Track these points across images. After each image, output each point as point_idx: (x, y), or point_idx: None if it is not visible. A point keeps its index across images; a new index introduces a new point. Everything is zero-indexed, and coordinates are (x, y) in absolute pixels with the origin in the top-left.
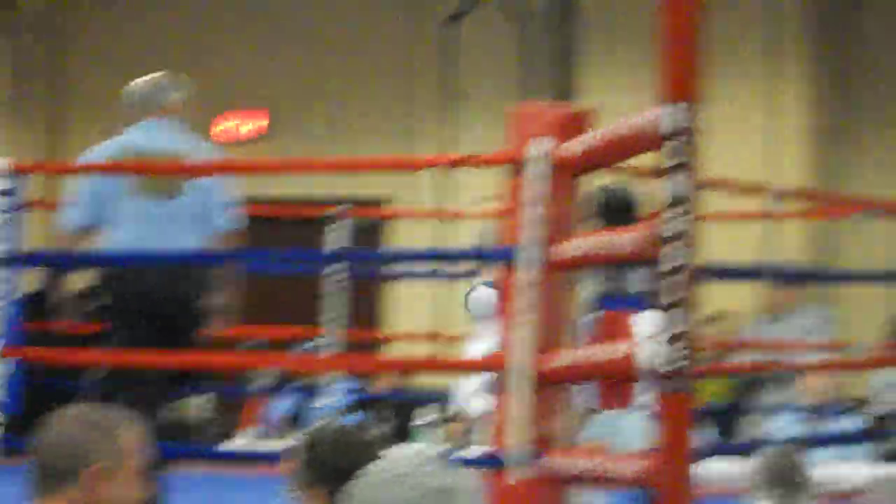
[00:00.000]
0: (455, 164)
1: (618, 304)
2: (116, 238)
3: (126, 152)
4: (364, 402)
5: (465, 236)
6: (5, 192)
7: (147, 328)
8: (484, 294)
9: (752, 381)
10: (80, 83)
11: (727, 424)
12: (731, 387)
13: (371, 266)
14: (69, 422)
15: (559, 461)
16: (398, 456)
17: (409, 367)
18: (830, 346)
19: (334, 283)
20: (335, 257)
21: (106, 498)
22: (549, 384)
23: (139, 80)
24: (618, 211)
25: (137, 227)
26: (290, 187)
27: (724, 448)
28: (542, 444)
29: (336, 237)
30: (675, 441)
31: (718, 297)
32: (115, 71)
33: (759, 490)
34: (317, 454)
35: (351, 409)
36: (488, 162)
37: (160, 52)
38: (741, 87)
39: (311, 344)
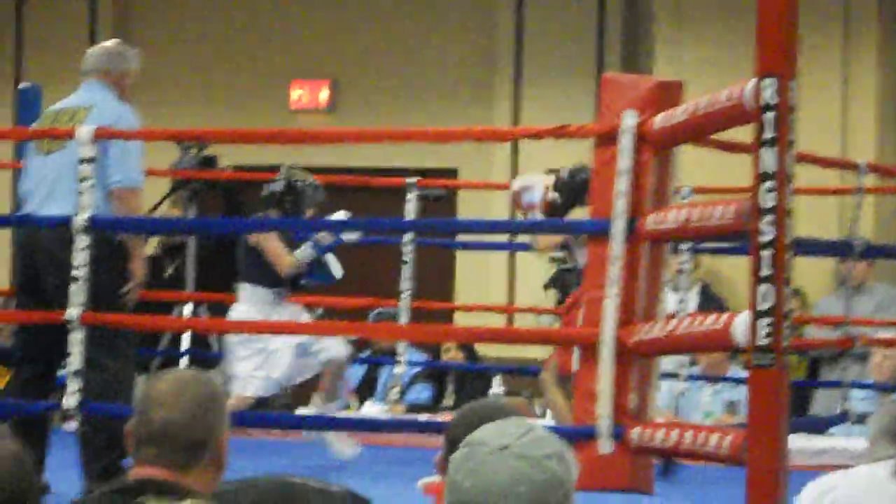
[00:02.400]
0: (544, 135)
1: None
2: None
3: (44, 113)
4: (434, 373)
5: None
6: (89, 160)
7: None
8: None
9: (825, 357)
10: (144, 52)
11: (800, 400)
12: (803, 362)
13: (444, 236)
14: (190, 393)
15: (647, 433)
16: (498, 427)
17: (491, 338)
18: None
19: (407, 252)
20: (408, 227)
21: (225, 462)
22: (639, 356)
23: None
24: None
25: (26, 184)
26: (359, 158)
27: (800, 424)
28: (631, 416)
29: (409, 207)
30: (767, 416)
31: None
32: (178, 42)
33: (878, 444)
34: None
35: (420, 379)
36: (581, 133)
37: (223, 22)
38: (816, 60)
39: (383, 313)
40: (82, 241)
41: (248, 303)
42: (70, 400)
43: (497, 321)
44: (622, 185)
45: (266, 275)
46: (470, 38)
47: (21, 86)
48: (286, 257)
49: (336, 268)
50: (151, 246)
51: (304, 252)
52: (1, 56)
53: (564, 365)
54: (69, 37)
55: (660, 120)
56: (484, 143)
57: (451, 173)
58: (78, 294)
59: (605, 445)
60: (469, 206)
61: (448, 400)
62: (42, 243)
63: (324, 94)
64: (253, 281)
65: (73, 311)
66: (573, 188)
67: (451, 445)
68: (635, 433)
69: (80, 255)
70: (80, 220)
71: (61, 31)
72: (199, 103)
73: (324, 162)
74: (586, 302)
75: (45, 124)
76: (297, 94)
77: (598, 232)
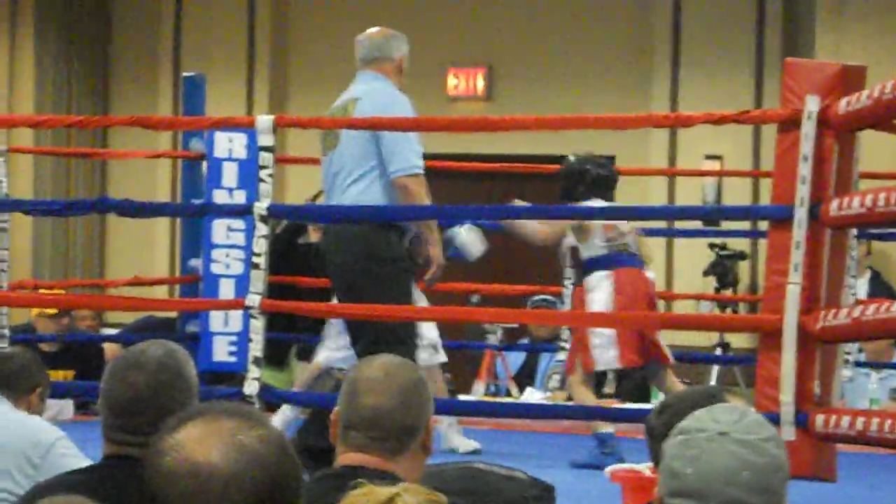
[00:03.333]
0: (723, 120)
1: (632, 262)
2: None
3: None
4: None
5: (693, 194)
6: (268, 148)
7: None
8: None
9: None
10: (303, 43)
11: None
12: None
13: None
14: (399, 379)
15: (832, 420)
16: (710, 413)
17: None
18: None
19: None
20: (568, 213)
21: (431, 448)
22: (823, 343)
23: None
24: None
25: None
26: (515, 145)
27: None
28: (815, 402)
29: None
30: None
31: None
32: (335, 32)
33: None
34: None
35: None
36: (762, 119)
37: (380, 10)
38: None
39: (542, 300)
40: (261, 230)
41: None
42: (250, 387)
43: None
44: (805, 170)
45: None
46: (627, 24)
47: (185, 74)
48: None
49: (476, 247)
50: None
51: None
52: (161, 45)
53: (587, 363)
54: (227, 26)
55: (843, 105)
56: (642, 129)
57: (609, 160)
58: (257, 281)
59: (787, 432)
60: (626, 193)
61: (608, 387)
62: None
63: (480, 82)
64: None
65: (253, 298)
66: (578, 175)
67: (660, 434)
68: (819, 420)
69: (260, 243)
70: (260, 207)
71: (220, 20)
72: None
73: (481, 149)
74: (767, 288)
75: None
76: (454, 81)
77: (780, 218)
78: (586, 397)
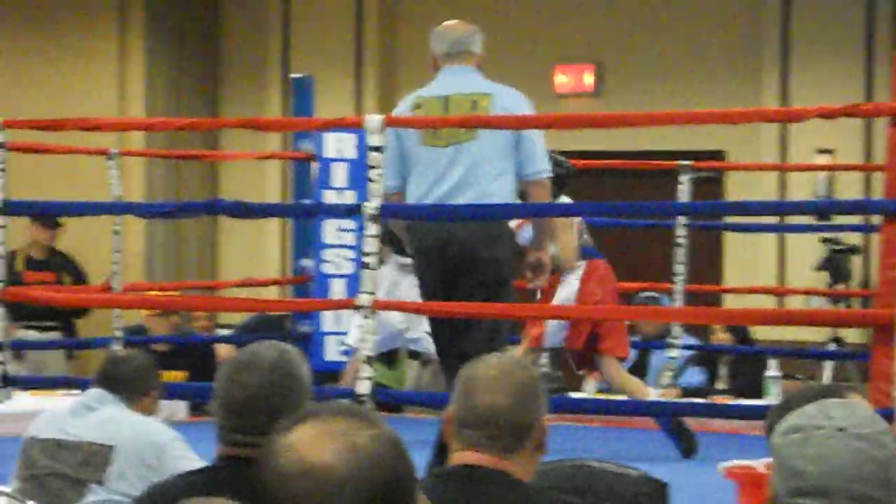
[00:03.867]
0: (834, 114)
1: (595, 254)
2: (409, 189)
3: (417, 101)
4: (705, 356)
5: (804, 188)
6: (378, 148)
7: (430, 277)
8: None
9: None
10: (410, 41)
11: None
12: None
13: (714, 219)
14: (514, 378)
15: None
16: (822, 409)
17: (781, 320)
18: None
19: (678, 236)
20: (680, 209)
21: (545, 447)
22: None
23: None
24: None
25: (418, 176)
26: (624, 141)
27: None
28: None
29: (683, 190)
30: None
31: None
32: None
33: None
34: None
35: (693, 363)
36: (874, 112)
37: (488, 8)
38: None
39: (651, 296)
40: (371, 230)
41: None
42: (362, 386)
43: (767, 303)
44: None
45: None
46: (736, 18)
47: (293, 76)
48: None
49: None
50: None
51: None
52: (270, 47)
53: (537, 338)
54: (335, 27)
55: None
56: (752, 124)
57: (719, 155)
58: (367, 280)
59: None
60: (738, 188)
61: (721, 384)
62: (460, 238)
63: (589, 78)
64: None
65: (364, 298)
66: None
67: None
68: None
69: (371, 242)
70: (371, 207)
71: (328, 21)
72: None
73: (590, 146)
74: (881, 283)
75: (431, 112)
76: (562, 78)
77: (893, 212)
78: None
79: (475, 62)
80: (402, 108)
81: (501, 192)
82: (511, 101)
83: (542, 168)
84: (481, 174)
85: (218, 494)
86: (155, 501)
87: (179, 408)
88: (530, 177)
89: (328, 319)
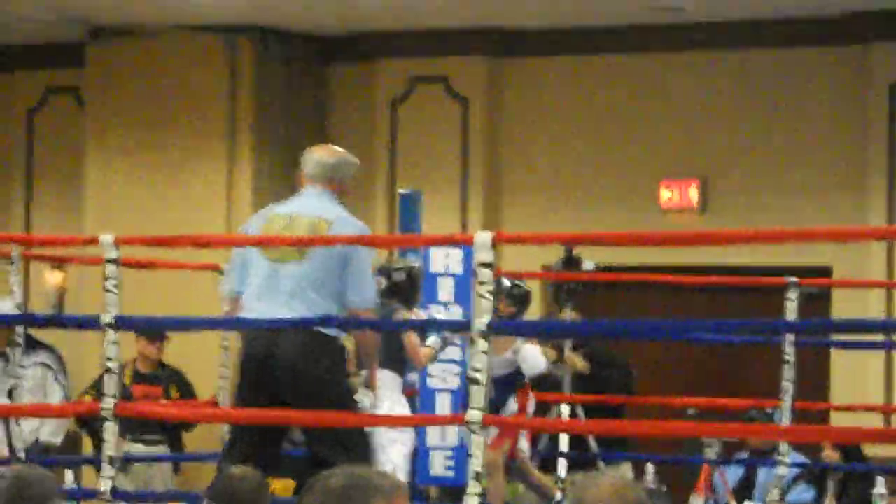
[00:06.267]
0: None
1: None
2: (244, 295)
3: (270, 215)
4: (813, 473)
5: None
6: (487, 264)
7: (248, 391)
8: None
9: None
10: (515, 154)
11: None
12: None
13: (821, 336)
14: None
15: None
16: None
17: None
18: None
19: (786, 353)
20: (788, 327)
21: None
22: None
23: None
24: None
25: (251, 289)
26: (730, 256)
27: None
28: None
29: (790, 306)
30: None
31: None
32: (547, 142)
33: None
34: None
35: (801, 480)
36: None
37: (592, 122)
38: None
39: (759, 413)
40: (481, 346)
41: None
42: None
43: (874, 421)
44: None
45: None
46: (841, 135)
47: (401, 191)
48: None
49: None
50: None
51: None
52: (376, 162)
53: (500, 443)
54: (441, 142)
55: None
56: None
57: (825, 272)
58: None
59: None
60: (844, 305)
61: (829, 500)
62: (285, 348)
63: (693, 193)
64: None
65: (474, 414)
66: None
67: None
68: None
69: (481, 359)
70: (481, 323)
71: (433, 136)
72: (570, 203)
73: (695, 260)
74: None
75: (274, 228)
76: (667, 193)
77: None
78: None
79: (334, 188)
80: (258, 220)
81: (322, 309)
82: (350, 230)
83: (366, 299)
84: (302, 290)
85: None
86: None
87: None
88: (355, 304)
89: (433, 434)
